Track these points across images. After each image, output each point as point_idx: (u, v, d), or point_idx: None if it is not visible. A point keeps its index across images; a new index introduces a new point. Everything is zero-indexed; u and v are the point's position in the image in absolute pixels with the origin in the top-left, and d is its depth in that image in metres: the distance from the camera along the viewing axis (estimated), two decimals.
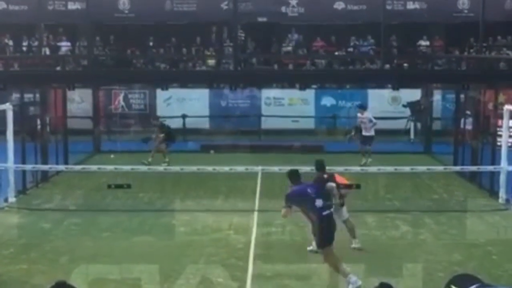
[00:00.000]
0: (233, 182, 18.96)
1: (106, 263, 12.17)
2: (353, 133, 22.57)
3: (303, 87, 26.87)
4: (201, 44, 31.15)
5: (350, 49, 31.27)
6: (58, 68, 26.50)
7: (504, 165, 17.29)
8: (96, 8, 27.39)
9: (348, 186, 13.45)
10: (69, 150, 21.52)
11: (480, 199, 17.76)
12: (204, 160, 21.13)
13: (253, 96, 29.28)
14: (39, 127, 20.24)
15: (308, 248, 13.04)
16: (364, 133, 22.25)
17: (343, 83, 28.42)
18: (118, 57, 30.37)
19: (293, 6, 31.21)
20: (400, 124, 27.79)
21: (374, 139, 22.27)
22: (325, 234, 11.42)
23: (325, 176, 12.97)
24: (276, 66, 29.82)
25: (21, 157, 18.13)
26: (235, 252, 13.19)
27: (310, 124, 28.74)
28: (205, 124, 28.42)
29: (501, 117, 18.55)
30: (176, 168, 18.85)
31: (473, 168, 19.05)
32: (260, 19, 31.08)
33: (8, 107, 17.67)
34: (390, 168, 18.47)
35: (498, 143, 18.52)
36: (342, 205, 13.08)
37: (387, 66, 27.87)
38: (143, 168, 18.14)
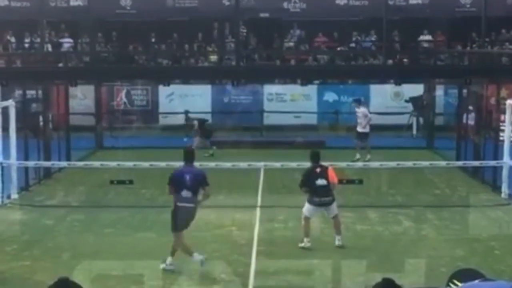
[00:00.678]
0: (235, 178, 18.95)
1: (108, 259, 12.19)
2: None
3: (305, 83, 26.80)
4: (203, 40, 31.11)
5: (352, 45, 31.22)
6: (60, 65, 26.49)
7: (506, 160, 17.29)
8: (98, 5, 27.38)
9: (350, 181, 13.51)
10: (72, 147, 21.51)
11: (483, 194, 17.76)
12: (206, 156, 21.11)
13: (255, 92, 29.25)
14: (41, 123, 20.23)
15: (300, 245, 13.04)
16: (358, 129, 22.21)
17: (345, 79, 28.41)
18: (120, 54, 30.34)
19: (295, 2, 31.17)
20: (402, 120, 27.74)
21: (368, 136, 22.17)
22: (177, 222, 11.93)
23: (318, 169, 13.16)
24: (278, 62, 29.81)
25: (24, 154, 18.14)
26: (238, 248, 13.21)
27: (312, 119, 28.70)
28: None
29: (504, 112, 18.52)
30: (178, 164, 18.80)
31: (476, 163, 19.03)
32: (262, 15, 31.05)
33: (10, 103, 17.69)
34: (392, 164, 18.47)
35: (501, 138, 18.50)
36: (332, 201, 13.15)
37: (389, 61, 27.84)
38: (145, 164, 18.13)
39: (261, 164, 18.07)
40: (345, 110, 28.26)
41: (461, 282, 4.69)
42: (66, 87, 22.37)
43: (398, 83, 24.17)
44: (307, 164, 17.55)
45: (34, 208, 16.60)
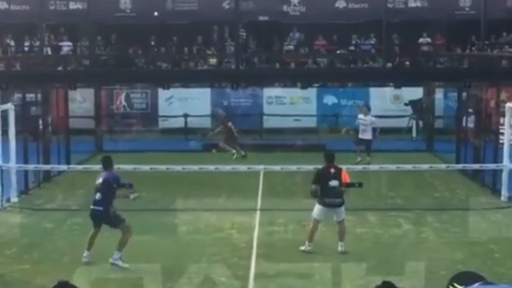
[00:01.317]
0: (235, 181, 18.94)
1: (107, 263, 12.16)
2: (351, 132, 22.46)
3: (304, 86, 26.80)
4: (203, 43, 31.13)
5: (352, 48, 31.24)
6: (60, 68, 26.47)
7: (506, 163, 17.28)
8: (97, 8, 27.42)
9: (350, 185, 13.39)
10: (71, 150, 21.50)
11: (482, 197, 17.75)
12: (206, 159, 21.11)
13: (255, 95, 29.25)
14: (41, 127, 20.23)
15: (301, 248, 13.02)
16: (361, 135, 21.96)
17: (345, 82, 28.41)
18: (120, 57, 30.35)
19: (295, 5, 31.19)
20: (402, 123, 27.75)
21: (372, 142, 21.96)
22: (91, 219, 12.50)
23: (332, 170, 13.05)
24: (277, 65, 29.81)
25: (23, 157, 18.12)
26: (238, 251, 13.20)
27: (312, 122, 28.70)
28: (207, 123, 28.38)
29: (503, 115, 18.52)
30: (178, 168, 18.84)
31: (476, 166, 19.03)
32: (261, 18, 31.07)
33: (10, 107, 17.68)
34: (392, 166, 18.48)
35: (500, 141, 18.50)
36: (342, 203, 13.06)
37: (389, 64, 27.86)
38: (145, 167, 18.12)
39: (261, 167, 18.07)
40: (345, 113, 28.29)
41: (461, 285, 4.69)
42: (65, 90, 22.36)
43: (397, 86, 24.20)
44: (308, 167, 17.60)
45: (34, 211, 16.58)
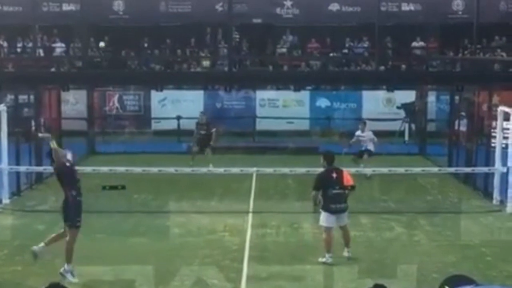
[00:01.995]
0: (227, 184, 18.95)
1: (100, 265, 12.14)
2: (346, 141, 22.06)
3: (297, 89, 26.89)
4: (196, 45, 31.13)
5: (345, 51, 31.29)
6: (53, 70, 26.47)
7: (498, 166, 17.32)
8: (90, 9, 27.37)
9: (352, 187, 13.03)
10: None
11: (474, 201, 17.79)
12: (199, 161, 21.10)
13: (248, 98, 29.26)
14: (33, 128, 20.19)
15: (320, 260, 12.58)
16: (368, 147, 21.39)
17: (338, 85, 28.47)
18: (113, 59, 30.33)
19: (288, 8, 31.23)
20: (394, 126, 27.81)
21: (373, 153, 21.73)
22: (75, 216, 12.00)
23: (334, 174, 12.73)
24: (271, 68, 29.84)
25: (15, 159, 18.08)
26: (230, 253, 13.19)
27: (304, 125, 28.73)
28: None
29: (495, 119, 18.57)
30: (170, 170, 18.83)
31: (468, 169, 19.07)
32: (254, 21, 31.10)
33: (2, 108, 17.62)
34: (384, 170, 18.49)
35: (492, 145, 18.53)
36: (346, 208, 12.80)
37: (382, 67, 27.93)
38: (138, 169, 18.12)
39: (253, 169, 18.07)
40: (338, 116, 28.35)
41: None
42: (58, 91, 22.35)
43: (390, 89, 24.29)
44: (300, 170, 17.61)
45: (26, 213, 16.54)
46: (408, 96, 27.97)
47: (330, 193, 12.62)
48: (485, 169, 18.04)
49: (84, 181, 19.13)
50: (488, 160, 18.11)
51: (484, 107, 20.76)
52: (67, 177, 12.06)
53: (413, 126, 27.89)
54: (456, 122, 21.60)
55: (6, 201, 17.24)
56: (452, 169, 20.10)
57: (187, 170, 18.80)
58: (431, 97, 27.91)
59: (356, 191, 14.77)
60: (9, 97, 21.47)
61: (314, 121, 28.87)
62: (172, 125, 27.37)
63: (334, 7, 31.11)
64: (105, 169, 18.14)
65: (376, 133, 22.15)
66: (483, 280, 5.57)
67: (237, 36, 29.82)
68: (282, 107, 29.13)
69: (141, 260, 12.49)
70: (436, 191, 19.03)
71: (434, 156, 23.19)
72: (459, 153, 20.11)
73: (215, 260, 12.73)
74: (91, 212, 16.26)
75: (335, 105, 29.24)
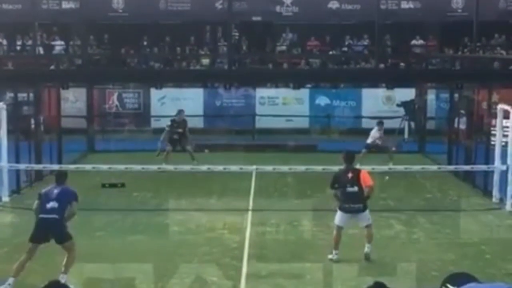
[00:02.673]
0: (227, 182, 18.94)
1: (99, 262, 12.14)
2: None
3: (297, 87, 26.89)
4: (195, 43, 31.13)
5: (345, 49, 31.29)
6: (52, 67, 26.44)
7: (497, 164, 17.32)
8: (90, 7, 27.41)
9: (370, 188, 12.78)
10: (63, 149, 21.47)
11: (474, 198, 17.80)
12: (198, 159, 21.09)
13: (247, 96, 29.25)
14: (33, 126, 20.18)
15: (329, 257, 12.58)
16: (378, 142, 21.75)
17: (338, 83, 28.45)
18: (112, 56, 30.33)
19: (288, 6, 31.23)
20: (394, 124, 27.76)
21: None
22: (35, 232, 11.64)
23: (350, 174, 12.70)
24: (270, 66, 29.83)
25: (15, 157, 18.08)
26: (229, 251, 13.20)
27: (304, 123, 28.73)
28: (199, 123, 28.38)
29: (495, 117, 18.58)
30: (170, 168, 18.84)
31: (467, 167, 19.07)
32: (254, 18, 31.10)
33: (1, 106, 17.63)
34: (384, 167, 18.46)
35: (492, 143, 18.53)
36: (363, 208, 12.72)
37: (381, 65, 27.92)
38: (137, 167, 18.12)
39: (253, 167, 18.07)
40: (337, 114, 28.35)
41: (454, 286, 4.72)
42: (58, 89, 22.33)
43: (390, 87, 24.28)
44: (299, 168, 17.63)
45: (26, 211, 16.47)
46: (407, 94, 27.95)
47: (344, 192, 12.64)
48: (484, 167, 18.04)
49: (84, 179, 19.25)
50: (488, 158, 18.12)
51: (484, 105, 20.73)
52: None
53: (412, 124, 27.88)
54: (456, 120, 21.58)
55: (5, 199, 17.25)
56: (451, 167, 20.10)
57: (187, 167, 18.83)
58: (431, 95, 27.90)
59: None
60: (9, 95, 21.46)
61: (313, 119, 28.86)
62: None
63: (334, 5, 31.11)
64: (104, 167, 18.14)
65: None
66: (482, 278, 5.56)
67: (237, 34, 29.83)
68: (282, 105, 29.11)
69: (141, 258, 12.50)
70: (436, 189, 19.04)
71: (433, 154, 23.17)
72: (459, 151, 20.11)
73: (214, 258, 12.74)
74: (91, 210, 16.31)
75: (334, 103, 29.22)
